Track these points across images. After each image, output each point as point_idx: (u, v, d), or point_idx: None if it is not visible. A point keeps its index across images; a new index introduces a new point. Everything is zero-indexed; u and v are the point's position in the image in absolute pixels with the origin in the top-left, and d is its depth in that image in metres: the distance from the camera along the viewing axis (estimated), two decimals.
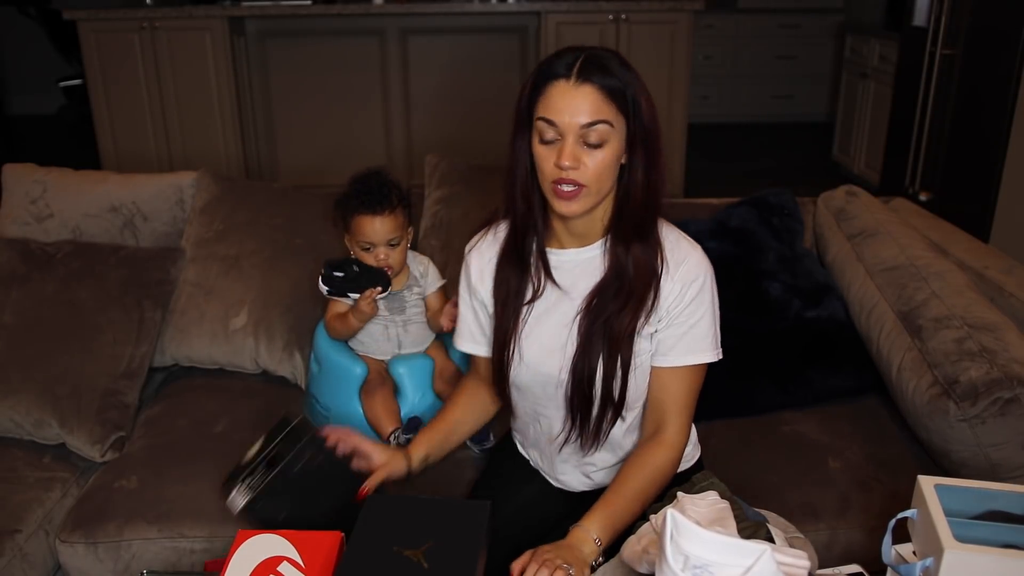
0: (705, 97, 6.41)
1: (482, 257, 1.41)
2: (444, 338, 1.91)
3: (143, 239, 2.13)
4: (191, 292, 2.00)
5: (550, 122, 1.20)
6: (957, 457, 1.54)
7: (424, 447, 1.44)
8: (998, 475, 1.50)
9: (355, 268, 1.71)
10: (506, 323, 1.36)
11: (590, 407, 1.33)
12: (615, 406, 1.33)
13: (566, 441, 1.40)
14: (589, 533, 1.23)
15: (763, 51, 6.54)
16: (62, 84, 5.93)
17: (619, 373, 1.30)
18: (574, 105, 1.18)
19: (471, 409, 1.51)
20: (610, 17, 4.20)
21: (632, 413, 1.38)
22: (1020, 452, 1.48)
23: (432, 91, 4.57)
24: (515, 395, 1.43)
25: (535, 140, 1.24)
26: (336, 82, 4.53)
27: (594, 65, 1.19)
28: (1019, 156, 3.33)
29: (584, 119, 1.19)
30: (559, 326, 1.34)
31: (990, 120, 3.47)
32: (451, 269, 2.02)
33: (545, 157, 1.22)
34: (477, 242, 1.43)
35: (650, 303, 1.29)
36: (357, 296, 1.70)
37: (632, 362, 1.31)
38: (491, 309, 1.40)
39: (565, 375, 1.33)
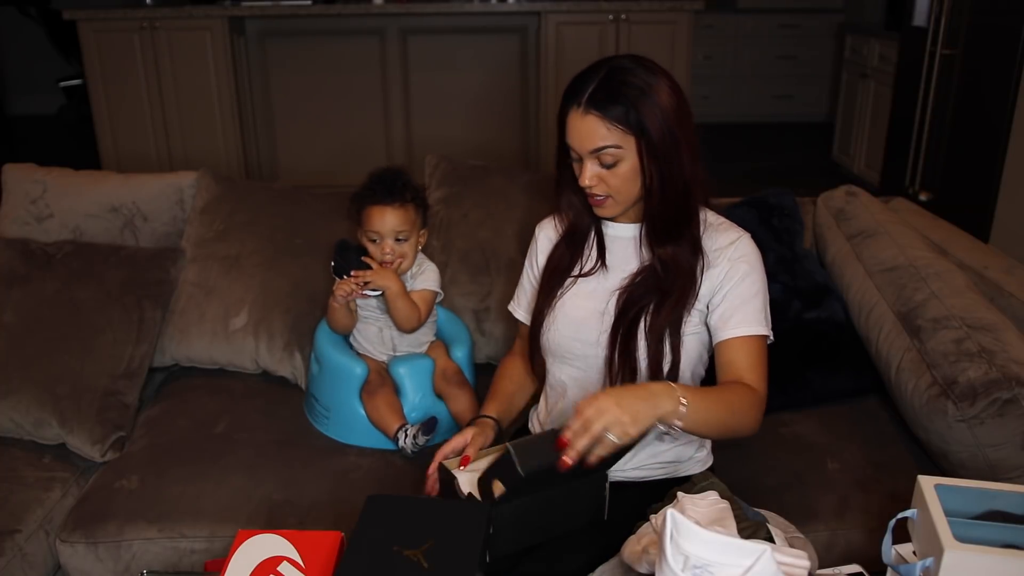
0: (705, 97, 6.41)
1: (547, 232, 1.51)
2: (445, 338, 1.91)
3: (143, 239, 2.13)
4: (191, 292, 2.00)
5: (570, 147, 1.31)
6: (956, 458, 1.54)
7: (495, 411, 1.49)
8: (997, 475, 1.50)
9: (359, 256, 1.72)
10: (548, 288, 1.44)
11: (633, 377, 1.35)
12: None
13: None
14: (674, 389, 1.18)
15: (763, 51, 6.54)
16: (62, 84, 5.93)
17: (667, 356, 1.34)
18: (583, 134, 1.28)
19: (518, 381, 1.56)
20: (610, 17, 4.20)
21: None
22: (1018, 452, 1.48)
23: (432, 91, 4.57)
24: (551, 363, 1.47)
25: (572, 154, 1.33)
26: (336, 82, 4.53)
27: (603, 92, 1.25)
28: (1019, 156, 3.33)
29: (592, 146, 1.28)
30: (599, 294, 1.40)
31: (990, 120, 3.46)
32: (451, 269, 2.02)
33: (577, 172, 1.33)
34: (547, 219, 1.53)
35: (691, 298, 1.34)
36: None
37: (681, 344, 1.35)
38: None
39: (605, 338, 1.37)
